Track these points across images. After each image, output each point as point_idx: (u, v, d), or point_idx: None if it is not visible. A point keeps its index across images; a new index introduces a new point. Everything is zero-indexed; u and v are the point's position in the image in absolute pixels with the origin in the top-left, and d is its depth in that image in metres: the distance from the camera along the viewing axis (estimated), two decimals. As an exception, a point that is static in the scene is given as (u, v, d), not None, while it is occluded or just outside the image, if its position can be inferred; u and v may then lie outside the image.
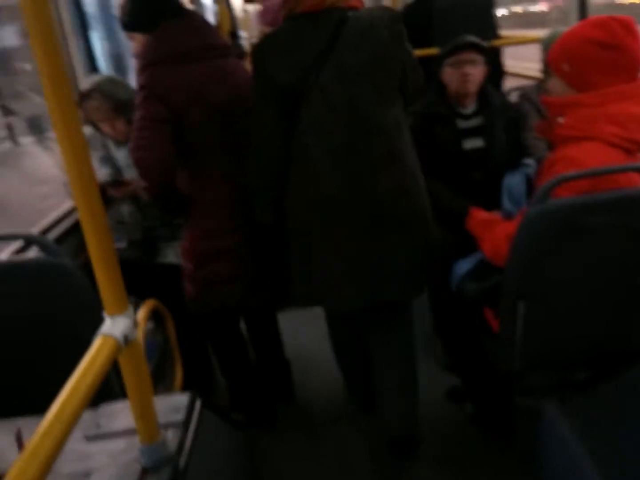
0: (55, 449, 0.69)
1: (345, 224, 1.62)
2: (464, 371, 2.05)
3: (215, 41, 1.81)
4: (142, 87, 1.66)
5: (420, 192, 1.72)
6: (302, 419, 2.23)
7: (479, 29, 2.61)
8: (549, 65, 1.53)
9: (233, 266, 1.82)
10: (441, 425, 2.08)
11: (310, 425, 2.18)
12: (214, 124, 1.74)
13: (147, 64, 1.69)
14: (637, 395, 1.42)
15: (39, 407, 1.03)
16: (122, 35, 3.20)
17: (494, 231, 1.64)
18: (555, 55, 1.50)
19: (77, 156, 0.81)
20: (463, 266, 1.75)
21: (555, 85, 1.51)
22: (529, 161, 1.73)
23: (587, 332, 1.53)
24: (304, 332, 2.74)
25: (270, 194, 1.69)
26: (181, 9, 1.78)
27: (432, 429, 2.07)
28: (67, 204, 2.37)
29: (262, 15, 3.66)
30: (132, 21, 1.79)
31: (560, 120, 1.46)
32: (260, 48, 1.60)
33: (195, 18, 1.81)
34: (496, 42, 2.78)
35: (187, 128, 1.69)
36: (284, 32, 1.60)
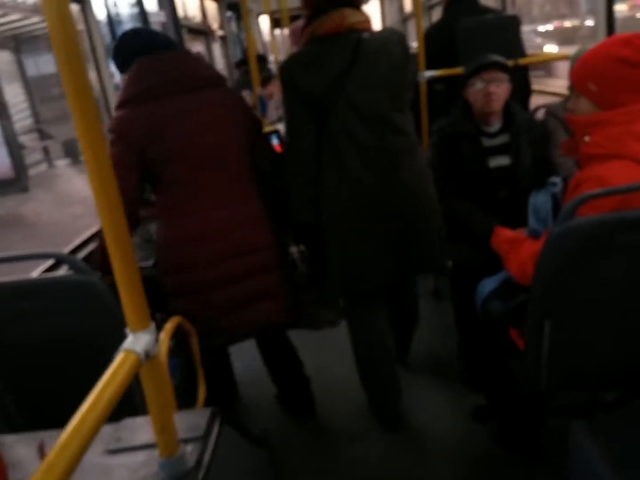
0: (74, 461, 0.70)
1: (378, 218, 1.87)
2: (489, 391, 2.02)
3: (191, 74, 1.83)
4: (109, 130, 1.79)
5: (430, 184, 1.99)
6: (323, 436, 2.22)
7: (505, 48, 2.62)
8: (574, 85, 1.51)
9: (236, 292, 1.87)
10: (467, 446, 2.04)
11: (330, 442, 2.17)
12: (176, 160, 1.78)
13: (116, 107, 1.82)
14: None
15: (63, 422, 1.06)
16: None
17: (520, 250, 1.62)
18: (581, 75, 1.48)
19: (102, 178, 0.83)
20: (488, 285, 1.74)
21: (581, 104, 1.49)
22: (556, 179, 1.71)
23: (615, 352, 1.49)
24: (325, 348, 2.74)
25: (306, 195, 1.89)
26: (155, 46, 1.84)
27: (458, 449, 2.03)
28: (99, 224, 2.43)
29: (291, 37, 3.83)
30: (115, 63, 1.91)
31: (587, 138, 1.44)
32: (287, 65, 1.85)
33: (169, 53, 1.85)
34: (523, 61, 2.77)
35: (150, 164, 1.77)
36: (310, 51, 1.85)
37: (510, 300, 1.65)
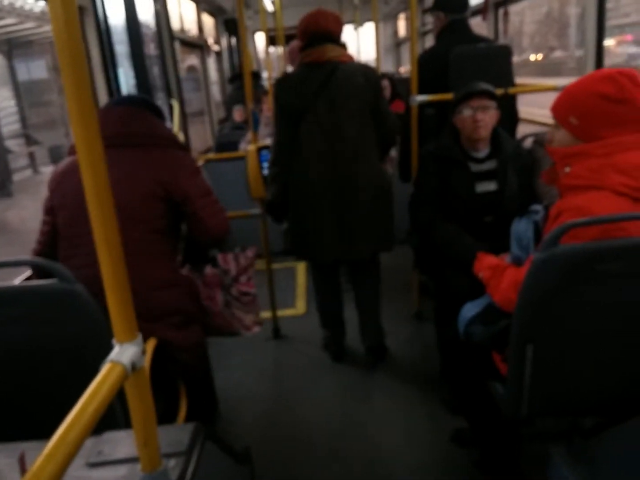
0: (58, 473, 0.70)
1: (326, 200, 2.45)
2: (470, 414, 2.02)
3: (125, 131, 1.83)
4: None
5: (382, 178, 2.55)
6: (303, 455, 2.20)
7: (496, 76, 2.68)
8: (555, 117, 1.54)
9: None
10: (447, 469, 2.04)
11: (310, 461, 2.16)
12: (62, 211, 1.81)
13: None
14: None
15: (43, 432, 1.04)
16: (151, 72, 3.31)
17: (502, 277, 1.64)
18: (562, 109, 1.51)
19: (97, 183, 0.84)
20: (470, 309, 1.75)
21: (561, 136, 1.52)
22: (537, 207, 1.75)
23: (596, 378, 1.51)
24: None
25: (281, 180, 2.54)
26: (119, 101, 2.00)
27: (437, 472, 2.03)
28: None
29: (289, 56, 3.98)
30: None
31: (567, 169, 1.48)
32: (278, 83, 2.51)
33: (119, 108, 1.89)
34: (512, 90, 2.83)
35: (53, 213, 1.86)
36: (295, 74, 2.50)
37: (493, 325, 1.66)
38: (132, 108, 1.89)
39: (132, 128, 1.84)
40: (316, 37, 2.42)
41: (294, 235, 2.61)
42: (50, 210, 1.86)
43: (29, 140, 10.64)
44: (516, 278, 1.54)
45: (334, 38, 2.45)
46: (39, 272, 1.85)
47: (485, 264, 1.79)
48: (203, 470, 1.09)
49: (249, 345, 3.11)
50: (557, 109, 1.53)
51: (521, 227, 1.75)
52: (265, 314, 3.26)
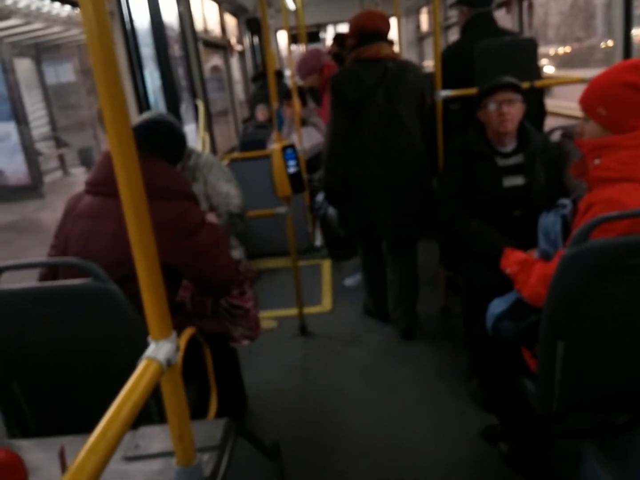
0: (100, 466, 0.72)
1: (383, 187, 2.73)
2: (501, 410, 2.01)
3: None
4: None
5: (427, 166, 2.79)
6: (332, 451, 2.22)
7: (521, 70, 2.65)
8: (584, 109, 1.53)
9: None
10: (477, 466, 2.03)
11: (339, 457, 2.17)
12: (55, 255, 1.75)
13: None
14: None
15: (79, 427, 1.07)
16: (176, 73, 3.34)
17: (530, 272, 1.62)
18: (590, 100, 1.50)
19: (132, 184, 0.86)
20: (499, 305, 1.73)
21: (591, 128, 1.51)
22: (565, 201, 1.72)
23: (628, 375, 1.49)
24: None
25: (340, 170, 2.76)
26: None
27: (468, 468, 2.03)
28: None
29: (300, 66, 4.01)
30: None
31: (597, 161, 1.46)
32: (336, 77, 2.72)
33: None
34: (539, 83, 2.79)
35: None
36: (352, 69, 2.70)
37: (522, 321, 1.65)
38: (143, 155, 1.73)
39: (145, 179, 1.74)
40: (371, 35, 2.65)
41: (352, 215, 2.87)
42: (58, 237, 1.78)
43: (59, 143, 10.87)
44: (545, 273, 1.52)
45: (385, 37, 2.71)
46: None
47: (513, 259, 1.77)
48: (235, 465, 1.11)
49: (277, 343, 3.14)
50: (585, 101, 1.52)
51: (549, 221, 1.73)
52: (292, 311, 3.29)
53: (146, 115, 1.93)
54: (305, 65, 3.94)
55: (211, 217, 2.05)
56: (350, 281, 3.91)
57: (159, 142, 1.80)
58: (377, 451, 2.19)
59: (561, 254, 1.46)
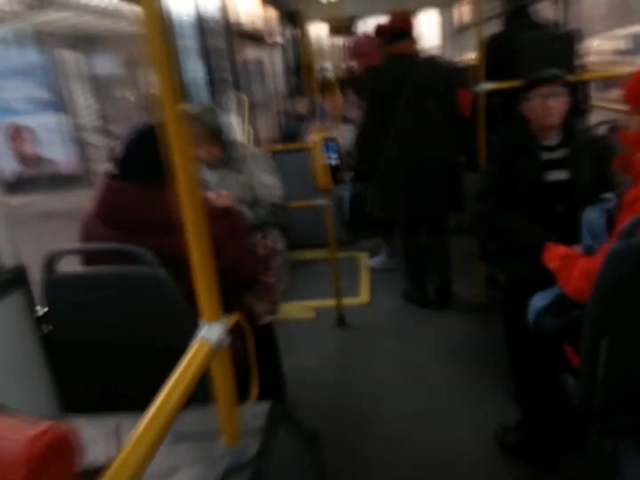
0: (155, 444, 0.75)
1: (411, 172, 3.02)
2: (533, 404, 2.00)
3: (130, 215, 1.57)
4: None
5: (452, 152, 3.13)
6: (369, 440, 2.24)
7: (564, 62, 2.60)
8: (629, 102, 1.50)
9: None
10: (512, 461, 2.03)
11: (375, 448, 2.19)
12: None
13: None
14: None
15: (128, 406, 1.12)
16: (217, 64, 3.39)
17: (573, 268, 1.60)
18: (635, 93, 1.47)
19: (186, 168, 0.90)
20: (541, 300, 1.72)
21: (636, 121, 1.48)
22: (609, 195, 1.70)
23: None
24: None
25: (369, 154, 3.12)
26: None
27: (504, 462, 2.03)
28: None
29: (352, 51, 4.14)
30: None
31: None
32: (371, 72, 3.10)
33: (124, 185, 1.60)
34: (583, 76, 2.73)
35: None
36: (384, 64, 3.07)
37: (565, 316, 1.63)
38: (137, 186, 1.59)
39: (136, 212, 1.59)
40: (398, 34, 3.00)
41: (384, 199, 3.22)
42: None
43: (107, 134, 11.09)
44: (588, 268, 1.50)
45: (411, 34, 3.05)
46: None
47: (556, 254, 1.75)
48: (278, 449, 1.15)
49: (315, 333, 3.17)
50: (630, 95, 1.49)
51: (593, 216, 1.71)
52: (330, 302, 3.32)
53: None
54: (357, 49, 4.16)
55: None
56: (373, 262, 4.09)
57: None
58: (411, 442, 2.20)
59: (606, 249, 1.44)
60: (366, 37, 4.26)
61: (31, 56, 4.47)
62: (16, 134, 5.06)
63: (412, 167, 3.02)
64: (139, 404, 0.83)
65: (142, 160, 1.61)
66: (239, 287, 1.87)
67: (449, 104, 2.98)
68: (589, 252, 1.68)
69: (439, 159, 3.03)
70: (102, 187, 1.66)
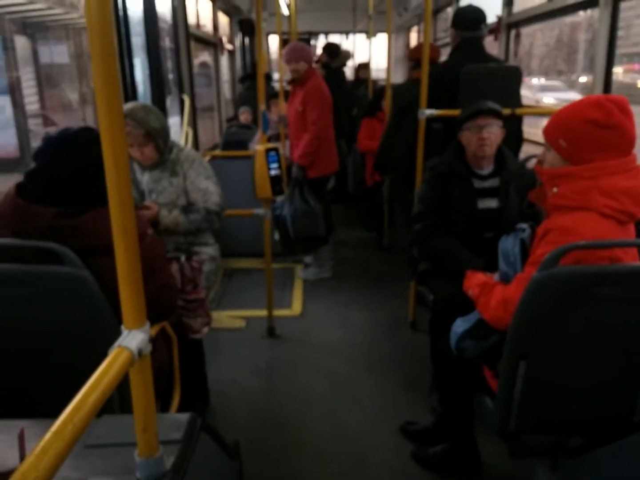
0: (64, 451, 0.71)
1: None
2: (454, 426, 2.06)
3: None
4: None
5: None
6: (291, 452, 2.23)
7: (504, 96, 2.71)
8: (546, 138, 1.58)
9: None
10: (434, 475, 2.07)
11: (297, 459, 2.18)
12: None
13: None
14: (626, 464, 1.43)
15: (40, 412, 1.06)
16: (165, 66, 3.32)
17: (491, 296, 1.66)
18: (553, 131, 1.56)
19: (118, 167, 0.86)
20: (462, 325, 1.77)
21: (551, 157, 1.57)
22: (523, 225, 1.78)
23: (585, 399, 1.54)
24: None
25: (386, 151, 3.62)
26: None
27: (425, 477, 2.07)
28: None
29: (291, 52, 4.03)
30: None
31: (555, 190, 1.52)
32: (397, 89, 3.81)
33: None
34: (519, 111, 2.87)
35: None
36: (406, 85, 3.76)
37: (484, 340, 1.69)
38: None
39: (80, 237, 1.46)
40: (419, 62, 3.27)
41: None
42: None
43: (47, 121, 10.61)
44: (504, 297, 1.57)
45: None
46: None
47: (474, 281, 1.81)
48: (197, 460, 1.12)
49: (243, 343, 3.14)
50: (548, 131, 1.57)
51: (508, 244, 1.78)
52: (261, 313, 3.29)
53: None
54: (301, 52, 3.95)
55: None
56: (306, 274, 4.16)
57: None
58: (335, 456, 2.20)
59: (521, 278, 1.51)
60: (307, 46, 4.28)
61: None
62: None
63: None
64: (52, 411, 0.79)
65: (60, 182, 1.47)
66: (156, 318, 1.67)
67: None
68: (505, 278, 1.75)
69: None
70: (8, 202, 1.47)
